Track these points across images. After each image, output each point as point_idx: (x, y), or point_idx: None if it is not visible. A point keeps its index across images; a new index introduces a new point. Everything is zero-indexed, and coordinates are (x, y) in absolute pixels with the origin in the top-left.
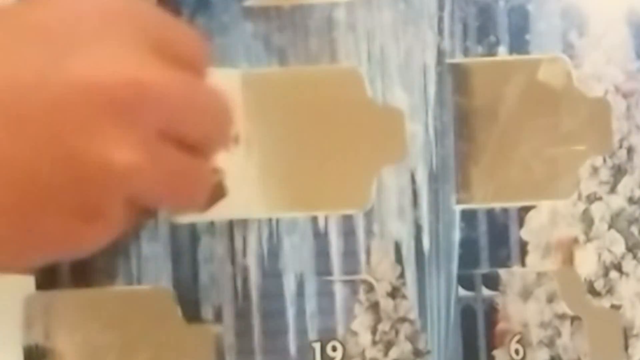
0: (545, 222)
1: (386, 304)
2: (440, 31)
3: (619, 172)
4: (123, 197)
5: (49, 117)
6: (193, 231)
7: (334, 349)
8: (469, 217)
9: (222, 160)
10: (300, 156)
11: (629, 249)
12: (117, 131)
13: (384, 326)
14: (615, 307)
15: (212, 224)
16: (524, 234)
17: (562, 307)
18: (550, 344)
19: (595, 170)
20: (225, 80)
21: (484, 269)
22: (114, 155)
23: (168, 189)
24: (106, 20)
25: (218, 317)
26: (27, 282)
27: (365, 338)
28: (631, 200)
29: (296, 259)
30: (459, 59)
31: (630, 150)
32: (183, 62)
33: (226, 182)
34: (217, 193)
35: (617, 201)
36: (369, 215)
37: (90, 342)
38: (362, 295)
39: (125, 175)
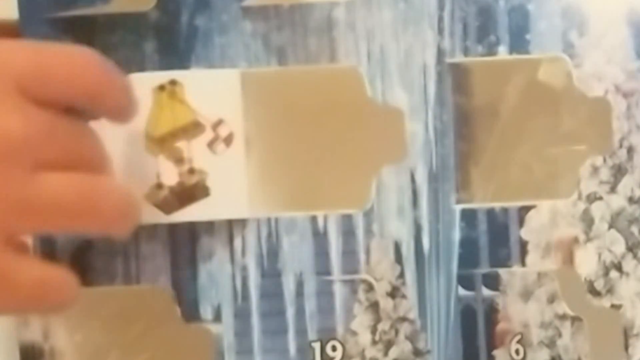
0: (546, 221)
1: (386, 303)
2: (440, 31)
3: (619, 172)
4: (4, 234)
5: None
6: (192, 230)
7: (334, 348)
8: (468, 216)
9: (210, 160)
10: (299, 156)
11: (629, 248)
12: None
13: (383, 326)
14: (616, 307)
15: (211, 223)
16: (524, 233)
17: (562, 307)
18: (550, 344)
19: (595, 169)
20: (224, 79)
21: (484, 268)
22: None
23: (59, 216)
24: None
25: (217, 316)
26: None
27: (365, 338)
28: (631, 200)
29: (295, 258)
30: (459, 58)
31: (630, 150)
32: (53, 96)
33: (208, 182)
34: (198, 193)
35: (618, 201)
36: (368, 214)
37: (89, 341)
38: (361, 295)
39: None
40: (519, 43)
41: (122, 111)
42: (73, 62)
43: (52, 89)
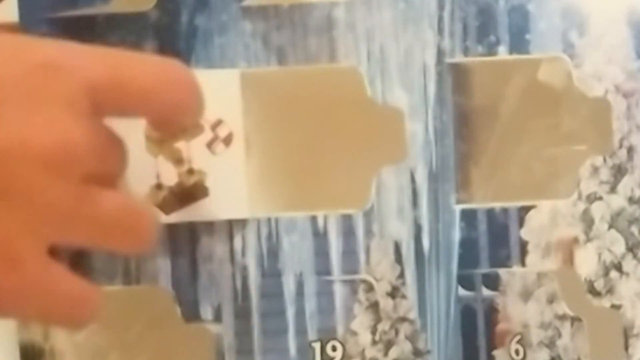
0: (546, 221)
1: (386, 303)
2: (440, 31)
3: (619, 172)
4: (47, 243)
5: None
6: (192, 230)
7: (334, 348)
8: (468, 216)
9: (209, 160)
10: (299, 156)
11: (629, 248)
12: (46, 179)
13: (383, 326)
14: (616, 307)
15: (211, 223)
16: (524, 233)
17: (562, 307)
18: (550, 344)
19: (595, 170)
20: (224, 79)
21: (484, 268)
22: (38, 198)
23: (103, 232)
24: (34, 78)
25: (217, 316)
26: None
27: (365, 338)
28: (631, 200)
29: (295, 258)
30: (459, 58)
31: (630, 150)
32: (126, 110)
33: (207, 182)
34: (198, 193)
35: (618, 201)
36: (368, 215)
37: (89, 341)
38: (361, 295)
39: (49, 217)
40: (519, 43)
41: (190, 125)
42: (157, 75)
43: (127, 103)
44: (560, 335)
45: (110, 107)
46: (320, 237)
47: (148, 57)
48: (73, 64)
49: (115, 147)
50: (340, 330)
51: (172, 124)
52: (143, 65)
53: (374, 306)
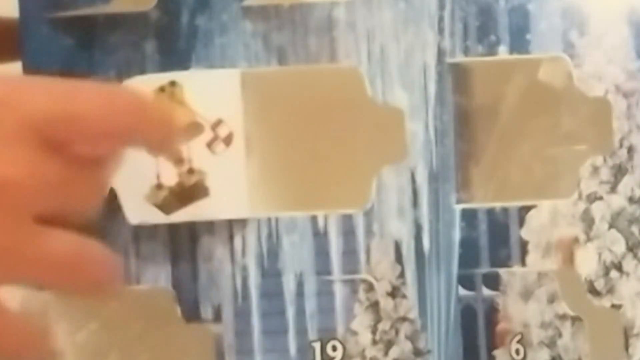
0: (546, 221)
1: (386, 303)
2: (440, 30)
3: (619, 172)
4: None
5: None
6: (192, 230)
7: (334, 348)
8: (469, 216)
9: (210, 160)
10: (299, 155)
11: (630, 248)
12: None
13: (384, 325)
14: (616, 307)
15: (211, 223)
16: (525, 233)
17: (562, 307)
18: (551, 344)
19: (595, 169)
20: (224, 79)
21: (484, 268)
22: None
23: (49, 274)
24: None
25: (217, 316)
26: None
27: (365, 337)
28: (632, 200)
29: (296, 258)
30: (459, 58)
31: (630, 150)
32: (79, 139)
33: (207, 182)
34: (198, 193)
35: (618, 201)
36: (368, 214)
37: (89, 341)
38: (362, 295)
39: None
40: (519, 43)
41: (160, 143)
42: (103, 102)
43: (76, 134)
44: (560, 335)
45: (62, 140)
46: (320, 237)
47: (94, 85)
48: (18, 98)
49: (85, 179)
50: (340, 330)
51: (136, 141)
52: (88, 95)
53: (374, 306)
